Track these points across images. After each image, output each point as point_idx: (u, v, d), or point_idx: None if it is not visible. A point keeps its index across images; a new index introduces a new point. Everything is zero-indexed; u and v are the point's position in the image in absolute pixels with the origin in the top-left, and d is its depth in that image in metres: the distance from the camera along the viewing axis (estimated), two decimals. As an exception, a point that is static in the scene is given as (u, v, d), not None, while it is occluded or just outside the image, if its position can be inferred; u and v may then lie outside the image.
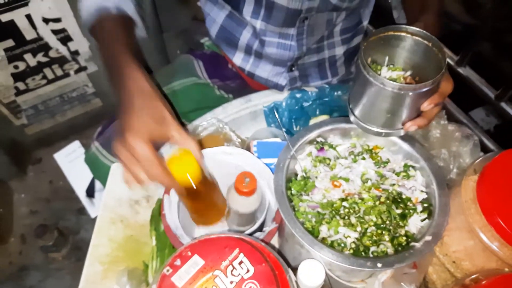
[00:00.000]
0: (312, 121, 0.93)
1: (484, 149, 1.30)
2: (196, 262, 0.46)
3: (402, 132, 0.64)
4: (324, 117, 0.93)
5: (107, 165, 0.90)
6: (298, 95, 0.94)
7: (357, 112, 0.66)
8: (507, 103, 1.30)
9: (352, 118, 0.67)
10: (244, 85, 1.05)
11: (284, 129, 0.91)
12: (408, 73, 0.65)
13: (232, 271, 0.46)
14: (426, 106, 0.59)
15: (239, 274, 0.46)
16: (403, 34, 0.62)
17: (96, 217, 0.77)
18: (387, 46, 0.63)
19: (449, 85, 0.62)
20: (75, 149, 1.62)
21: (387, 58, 0.65)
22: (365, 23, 1.01)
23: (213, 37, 0.99)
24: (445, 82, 0.61)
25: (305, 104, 0.94)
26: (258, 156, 0.80)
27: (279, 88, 0.97)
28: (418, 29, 0.60)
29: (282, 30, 0.87)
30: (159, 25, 1.41)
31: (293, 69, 0.96)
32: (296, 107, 0.94)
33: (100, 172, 0.94)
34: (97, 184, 1.19)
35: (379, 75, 0.60)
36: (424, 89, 0.56)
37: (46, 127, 1.65)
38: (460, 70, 1.42)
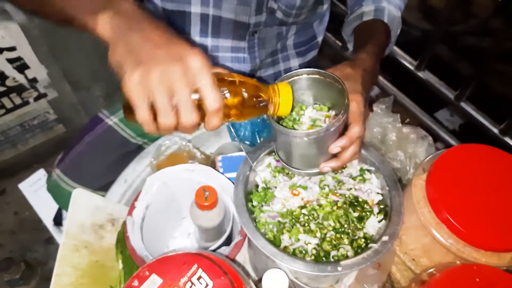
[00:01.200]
0: (275, 133, 0.95)
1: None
2: (154, 281, 0.46)
3: (320, 172, 0.63)
4: (286, 128, 0.95)
5: (70, 192, 0.89)
6: (258, 108, 0.95)
7: (278, 152, 0.66)
8: (466, 102, 1.36)
9: (277, 157, 0.67)
10: None
11: (247, 142, 0.93)
12: (333, 112, 0.63)
13: (191, 287, 0.46)
14: (331, 148, 0.59)
15: (198, 289, 0.46)
16: (315, 76, 0.60)
17: (64, 246, 0.75)
18: (312, 87, 0.63)
19: (357, 128, 0.59)
20: (40, 178, 1.57)
21: (311, 98, 0.65)
22: (320, 38, 1.05)
23: None
24: (354, 125, 0.59)
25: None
26: (223, 171, 0.81)
27: None
28: (327, 72, 0.59)
29: (234, 43, 0.89)
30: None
31: None
32: (258, 120, 0.96)
33: (63, 200, 0.93)
34: (65, 211, 1.16)
35: (303, 114, 0.63)
36: (320, 135, 0.55)
37: (8, 157, 1.61)
38: (420, 74, 1.48)
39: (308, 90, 0.63)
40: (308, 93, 0.64)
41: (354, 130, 0.59)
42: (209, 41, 0.88)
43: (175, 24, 0.89)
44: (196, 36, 0.88)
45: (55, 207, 1.25)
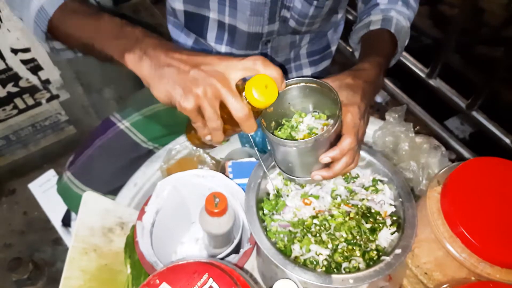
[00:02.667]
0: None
1: (460, 157, 1.33)
2: (165, 290, 0.46)
3: (312, 180, 0.64)
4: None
5: (80, 195, 0.89)
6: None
7: (275, 158, 0.67)
8: (478, 111, 1.35)
9: (275, 163, 0.68)
10: None
11: (257, 149, 0.92)
12: (331, 121, 0.62)
13: (201, 297, 0.46)
14: (321, 158, 0.59)
15: (208, 299, 0.46)
16: (312, 85, 0.61)
17: (73, 247, 0.75)
18: (311, 95, 0.64)
19: (348, 140, 0.59)
20: (49, 178, 1.59)
21: (311, 106, 0.66)
22: (333, 48, 1.04)
23: None
24: (346, 137, 0.59)
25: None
26: (233, 177, 0.80)
27: None
28: (323, 82, 0.60)
29: (247, 52, 0.89)
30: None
31: None
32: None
33: (73, 203, 0.93)
34: (74, 213, 1.17)
35: (302, 122, 0.65)
36: (308, 145, 0.57)
37: (18, 157, 1.62)
38: (431, 81, 1.47)
39: (307, 98, 0.64)
40: (308, 101, 0.65)
41: (346, 142, 0.59)
42: (223, 48, 0.88)
43: (194, 27, 0.89)
44: (211, 42, 0.88)
45: (63, 208, 1.26)
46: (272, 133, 0.60)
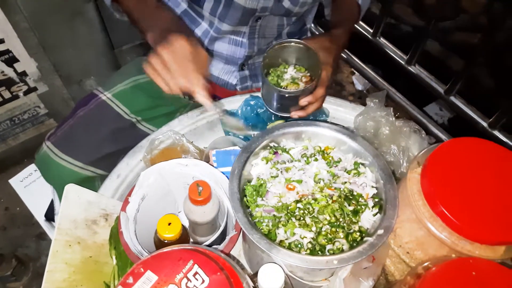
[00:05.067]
0: (270, 127, 0.95)
1: (439, 142, 1.36)
2: (149, 278, 0.46)
3: (291, 116, 0.86)
4: (280, 122, 0.95)
5: (60, 164, 0.87)
6: (252, 102, 0.95)
7: (265, 100, 0.90)
8: (456, 96, 1.37)
9: (264, 103, 0.90)
10: None
11: (241, 136, 0.92)
12: (308, 74, 0.87)
13: (187, 283, 0.46)
14: (301, 102, 0.81)
15: (194, 286, 0.46)
16: (299, 45, 0.83)
17: (56, 241, 0.74)
18: (296, 52, 0.85)
19: (321, 91, 0.82)
20: (31, 173, 1.56)
21: (294, 59, 0.87)
22: (308, 25, 1.10)
23: None
24: (320, 88, 0.81)
25: (260, 111, 0.95)
26: (217, 165, 0.80)
27: (229, 87, 0.99)
28: (309, 45, 0.81)
29: (237, 28, 0.91)
30: (110, 41, 1.39)
31: (244, 68, 0.98)
32: (252, 114, 0.96)
33: (51, 173, 0.91)
34: (57, 207, 1.15)
35: (286, 72, 0.87)
36: (297, 94, 0.81)
37: (-3, 152, 1.58)
38: (410, 68, 1.48)
39: (292, 53, 0.86)
40: (293, 56, 0.87)
41: (319, 92, 0.81)
42: (216, 21, 0.90)
43: None
44: (206, 12, 0.88)
45: (46, 202, 1.23)
46: (273, 84, 0.83)
